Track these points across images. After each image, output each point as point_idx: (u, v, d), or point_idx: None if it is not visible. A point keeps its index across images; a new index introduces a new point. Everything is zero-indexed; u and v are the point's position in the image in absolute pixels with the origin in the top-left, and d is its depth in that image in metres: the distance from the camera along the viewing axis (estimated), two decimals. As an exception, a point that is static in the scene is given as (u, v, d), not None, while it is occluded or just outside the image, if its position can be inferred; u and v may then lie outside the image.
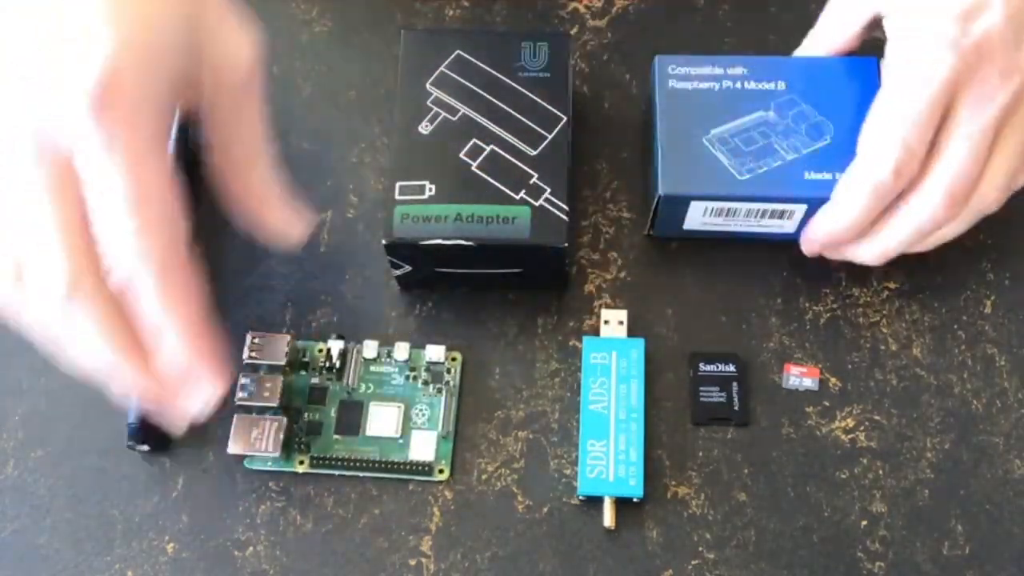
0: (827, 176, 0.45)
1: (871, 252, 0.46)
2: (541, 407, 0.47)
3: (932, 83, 0.43)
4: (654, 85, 0.48)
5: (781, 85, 0.47)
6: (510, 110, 0.47)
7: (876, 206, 0.44)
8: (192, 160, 0.52)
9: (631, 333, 0.47)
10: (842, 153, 0.45)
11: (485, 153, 0.46)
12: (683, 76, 0.48)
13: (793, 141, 0.46)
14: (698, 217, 0.47)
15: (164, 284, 0.38)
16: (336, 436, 0.46)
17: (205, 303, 0.39)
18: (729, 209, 0.46)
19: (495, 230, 0.45)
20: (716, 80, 0.47)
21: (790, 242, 0.48)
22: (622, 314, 0.48)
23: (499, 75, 0.48)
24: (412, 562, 0.44)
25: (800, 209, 0.46)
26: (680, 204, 0.46)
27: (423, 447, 0.46)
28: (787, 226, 0.47)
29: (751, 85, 0.47)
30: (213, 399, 0.40)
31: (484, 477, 0.46)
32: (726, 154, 0.46)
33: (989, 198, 0.44)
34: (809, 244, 0.47)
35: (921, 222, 0.44)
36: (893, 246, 0.45)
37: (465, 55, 0.48)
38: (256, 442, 0.45)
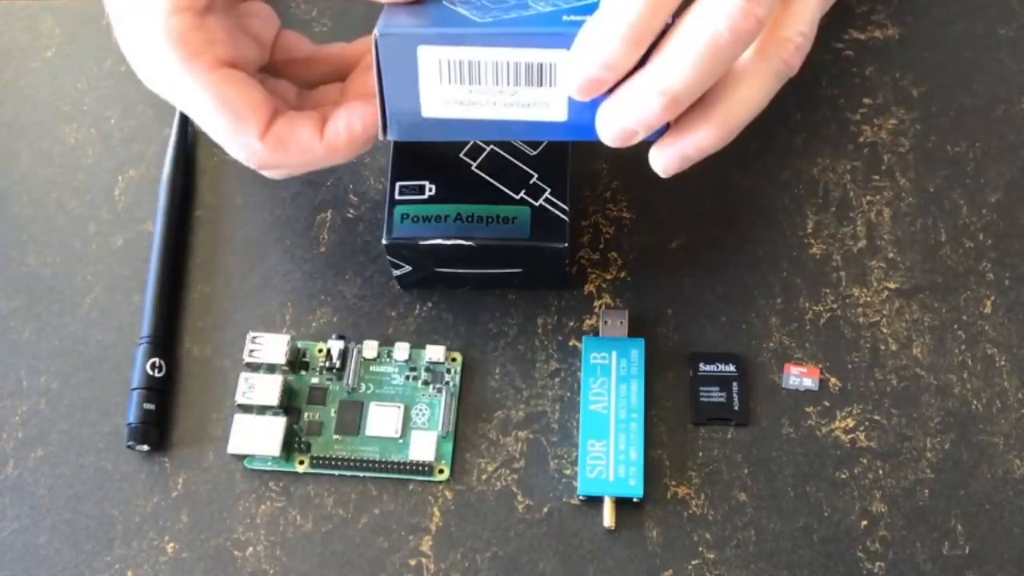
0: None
1: (652, 90, 0.34)
2: (541, 407, 0.47)
3: None
4: None
5: None
6: None
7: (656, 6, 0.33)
8: (192, 160, 0.52)
9: (631, 333, 0.47)
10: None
11: (485, 153, 0.46)
12: None
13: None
14: (434, 88, 0.38)
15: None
16: (336, 436, 0.46)
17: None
18: (472, 63, 0.37)
19: (495, 230, 0.45)
20: None
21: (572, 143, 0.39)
22: (622, 314, 0.48)
23: (499, 75, 0.47)
24: (412, 562, 0.44)
25: (564, 66, 0.36)
26: (406, 59, 0.37)
27: (423, 447, 0.46)
28: (554, 106, 0.37)
29: None
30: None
31: (484, 477, 0.46)
32: (465, 6, 0.38)
33: (796, 38, 0.35)
34: (581, 85, 0.36)
35: (716, 29, 0.33)
36: (680, 81, 0.34)
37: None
38: (256, 442, 0.45)
